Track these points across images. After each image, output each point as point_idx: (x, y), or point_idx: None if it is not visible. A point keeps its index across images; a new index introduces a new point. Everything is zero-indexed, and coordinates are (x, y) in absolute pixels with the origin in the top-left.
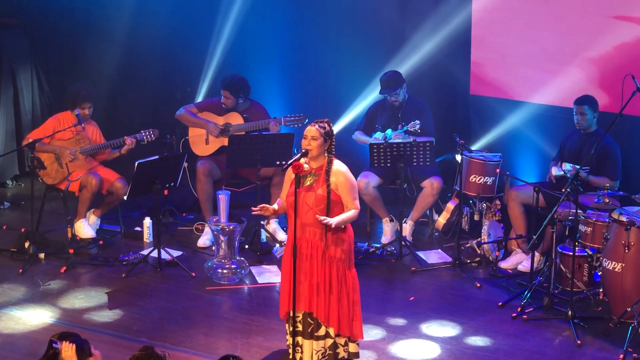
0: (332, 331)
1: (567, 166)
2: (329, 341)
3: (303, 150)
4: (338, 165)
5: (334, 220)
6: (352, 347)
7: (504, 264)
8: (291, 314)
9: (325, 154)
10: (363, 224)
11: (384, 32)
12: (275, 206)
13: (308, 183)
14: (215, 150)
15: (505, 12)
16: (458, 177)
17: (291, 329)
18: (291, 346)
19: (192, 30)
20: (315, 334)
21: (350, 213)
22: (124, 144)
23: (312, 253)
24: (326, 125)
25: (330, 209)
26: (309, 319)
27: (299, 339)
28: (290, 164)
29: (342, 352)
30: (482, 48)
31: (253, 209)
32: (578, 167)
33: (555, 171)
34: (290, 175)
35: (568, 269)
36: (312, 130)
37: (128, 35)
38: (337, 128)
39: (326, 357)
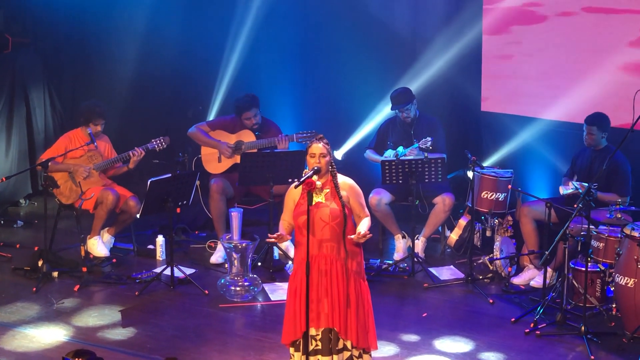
0: (349, 344)
1: (573, 184)
2: (346, 354)
3: (315, 168)
4: (343, 178)
5: (365, 228)
6: (365, 358)
7: (517, 280)
8: (313, 332)
9: (329, 169)
10: (375, 240)
11: (395, 49)
12: (287, 236)
13: (317, 200)
14: (227, 168)
15: (516, 29)
16: (470, 194)
17: (297, 353)
18: None
19: (204, 49)
20: (336, 347)
21: (368, 222)
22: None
23: (331, 269)
24: (327, 141)
25: (346, 221)
26: (329, 335)
27: (319, 357)
28: (303, 181)
29: None
30: (492, 64)
31: (270, 236)
32: (586, 184)
33: (563, 190)
34: (292, 196)
35: (580, 285)
36: (319, 147)
37: (140, 54)
38: (348, 145)
39: None
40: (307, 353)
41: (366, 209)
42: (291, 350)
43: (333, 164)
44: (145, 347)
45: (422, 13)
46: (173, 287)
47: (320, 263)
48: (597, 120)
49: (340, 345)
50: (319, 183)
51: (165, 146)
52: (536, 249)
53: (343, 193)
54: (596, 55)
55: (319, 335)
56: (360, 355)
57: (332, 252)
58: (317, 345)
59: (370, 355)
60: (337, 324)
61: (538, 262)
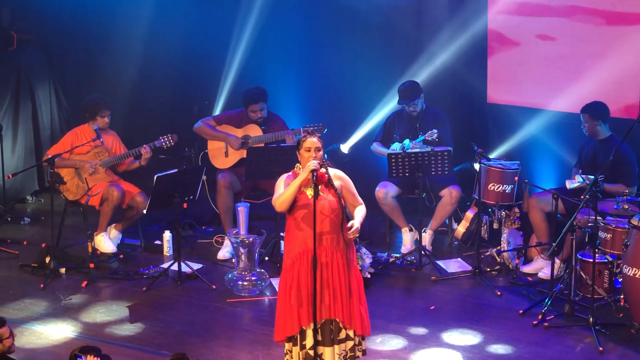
0: (352, 333)
1: (579, 178)
2: (350, 343)
3: (314, 162)
4: (334, 170)
5: (358, 222)
6: (364, 344)
7: (526, 269)
8: (311, 327)
9: (322, 162)
10: (382, 234)
11: (401, 42)
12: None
13: (313, 194)
14: (235, 163)
15: (521, 20)
16: (477, 186)
17: (295, 347)
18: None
19: (209, 43)
20: (337, 338)
21: (363, 210)
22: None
23: (332, 260)
24: (319, 135)
25: (344, 212)
26: (330, 327)
27: (319, 348)
28: (315, 175)
29: (357, 352)
30: (498, 56)
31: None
32: (592, 177)
33: (569, 184)
34: (284, 180)
35: (588, 276)
36: (315, 142)
37: (145, 49)
38: (355, 138)
39: None
40: (315, 346)
41: (359, 197)
42: (287, 345)
43: (324, 157)
44: (153, 342)
45: (427, 5)
46: (180, 283)
47: (320, 256)
48: (590, 108)
49: (342, 335)
50: (327, 175)
51: (172, 144)
52: (547, 240)
53: (338, 183)
54: (602, 45)
55: (319, 327)
56: (359, 343)
57: (331, 244)
58: (318, 337)
59: (365, 341)
60: (340, 315)
61: (546, 253)
